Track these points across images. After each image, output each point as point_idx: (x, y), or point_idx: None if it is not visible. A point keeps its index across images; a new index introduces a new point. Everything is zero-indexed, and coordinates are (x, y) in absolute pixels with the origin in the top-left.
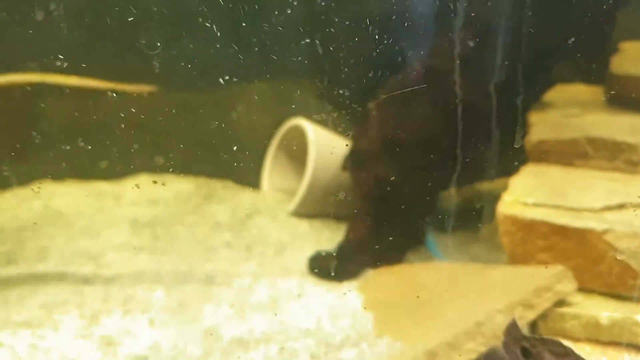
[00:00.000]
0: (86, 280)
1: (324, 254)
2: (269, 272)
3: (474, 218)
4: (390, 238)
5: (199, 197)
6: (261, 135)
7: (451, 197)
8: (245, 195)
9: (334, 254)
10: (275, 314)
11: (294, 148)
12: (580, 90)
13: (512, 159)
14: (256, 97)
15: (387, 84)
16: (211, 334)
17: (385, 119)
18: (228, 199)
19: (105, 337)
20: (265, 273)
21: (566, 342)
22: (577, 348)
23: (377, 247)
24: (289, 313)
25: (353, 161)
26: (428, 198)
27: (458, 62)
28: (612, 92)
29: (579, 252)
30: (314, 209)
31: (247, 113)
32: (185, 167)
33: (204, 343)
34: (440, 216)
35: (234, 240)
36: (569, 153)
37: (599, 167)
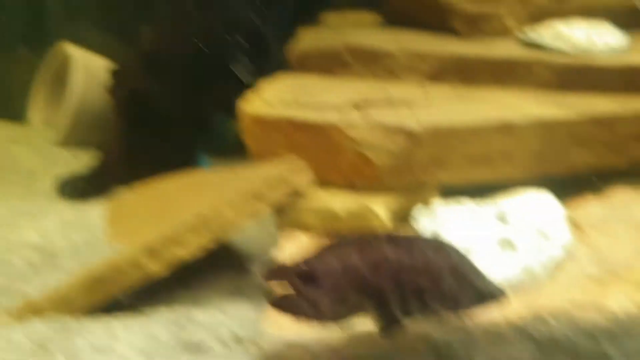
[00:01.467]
0: None
1: (75, 175)
2: (11, 195)
3: None
4: (149, 157)
5: None
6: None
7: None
8: (4, 126)
9: (86, 175)
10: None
11: (64, 78)
12: (362, 17)
13: None
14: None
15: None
16: None
17: (147, 38)
18: None
19: None
20: (7, 196)
21: (303, 235)
22: (314, 239)
23: (132, 166)
24: (18, 230)
25: (111, 79)
26: (194, 119)
27: None
28: (386, 15)
29: (318, 146)
30: (82, 138)
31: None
32: None
33: None
34: (217, 139)
35: None
36: (330, 62)
37: (358, 75)
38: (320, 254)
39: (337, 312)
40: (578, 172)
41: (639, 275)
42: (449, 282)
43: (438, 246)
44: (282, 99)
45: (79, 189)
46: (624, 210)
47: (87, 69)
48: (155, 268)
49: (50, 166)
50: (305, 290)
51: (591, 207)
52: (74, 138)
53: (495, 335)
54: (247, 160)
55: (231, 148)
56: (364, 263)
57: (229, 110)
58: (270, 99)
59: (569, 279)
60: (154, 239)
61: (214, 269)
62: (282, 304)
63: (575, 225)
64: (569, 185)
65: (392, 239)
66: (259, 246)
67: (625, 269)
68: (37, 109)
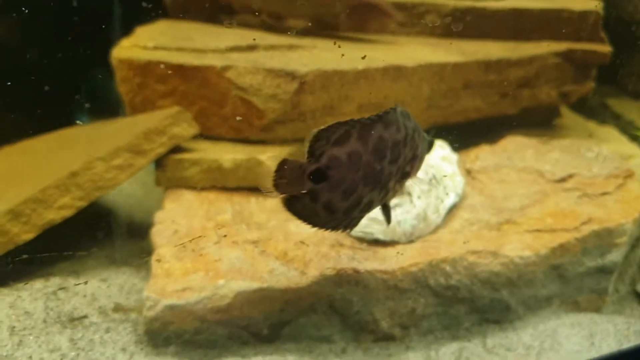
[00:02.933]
0: None
1: None
2: None
3: None
4: (13, 115)
5: None
6: None
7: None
8: None
9: None
10: None
11: None
12: None
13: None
14: None
15: None
16: None
17: None
18: None
19: None
20: None
21: (188, 193)
22: (200, 198)
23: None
24: None
25: None
26: (61, 72)
27: None
28: None
29: (201, 94)
30: None
31: None
32: None
33: None
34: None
35: None
36: (212, 8)
37: (245, 23)
38: (320, 144)
39: (348, 210)
40: (471, 119)
41: (532, 220)
42: (420, 143)
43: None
44: (159, 43)
45: None
46: (516, 157)
47: None
48: (22, 233)
49: None
50: (319, 191)
51: (484, 155)
52: None
53: (393, 288)
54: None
55: (114, 107)
56: (365, 148)
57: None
58: (145, 43)
59: (465, 226)
60: (17, 200)
61: (93, 234)
62: (295, 208)
63: (469, 173)
64: (463, 135)
65: (381, 119)
66: (139, 207)
67: (519, 215)
68: None
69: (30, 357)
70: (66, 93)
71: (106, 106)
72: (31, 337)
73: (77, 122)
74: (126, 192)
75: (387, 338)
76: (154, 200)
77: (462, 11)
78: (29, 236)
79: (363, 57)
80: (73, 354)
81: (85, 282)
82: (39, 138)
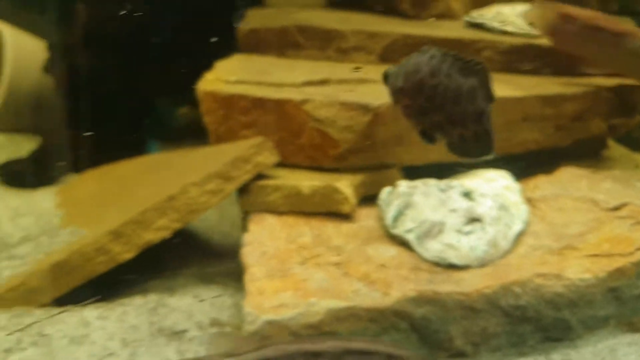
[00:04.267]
0: None
1: (15, 160)
2: None
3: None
4: (94, 141)
5: None
6: None
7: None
8: None
9: (28, 160)
10: None
11: None
12: None
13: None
14: None
15: None
16: None
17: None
18: None
19: None
20: None
21: (270, 217)
22: (281, 221)
23: (79, 150)
24: None
25: (54, 59)
26: (140, 101)
27: None
28: None
29: (280, 125)
30: (15, 122)
31: None
32: None
33: None
34: (164, 125)
35: None
36: (281, 42)
37: (311, 56)
38: None
39: None
40: (528, 151)
41: (590, 246)
42: None
43: None
44: (240, 77)
45: (20, 175)
46: (572, 187)
47: (19, 48)
48: (122, 252)
49: None
50: None
51: (542, 184)
52: (6, 121)
53: (469, 308)
54: (199, 144)
55: (177, 135)
56: None
57: (177, 95)
58: (227, 77)
59: (529, 252)
60: (119, 222)
61: (181, 255)
62: None
63: (530, 201)
64: (521, 166)
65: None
66: (222, 230)
67: (578, 241)
68: None
69: None
70: (140, 118)
71: (175, 134)
72: (142, 349)
73: (150, 147)
74: (207, 214)
75: (460, 355)
76: (227, 225)
77: (518, 48)
78: (128, 255)
79: None
80: None
81: (182, 299)
82: (121, 163)
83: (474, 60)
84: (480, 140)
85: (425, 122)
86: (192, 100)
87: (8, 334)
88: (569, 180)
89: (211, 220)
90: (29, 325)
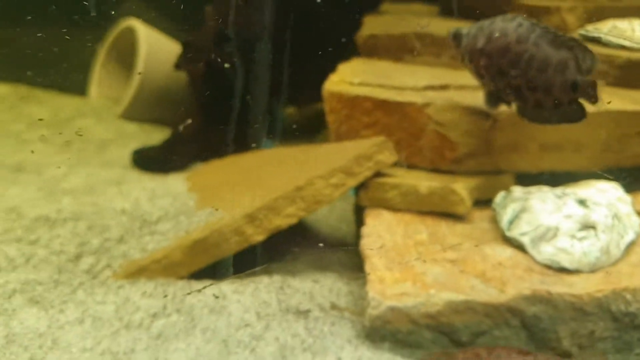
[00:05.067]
0: None
1: (149, 148)
2: (87, 164)
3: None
4: (222, 133)
5: (15, 98)
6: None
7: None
8: (68, 100)
9: (160, 148)
10: (90, 197)
11: (126, 53)
12: (419, 7)
13: None
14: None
15: None
16: (13, 212)
17: (220, 14)
18: (48, 102)
19: None
20: (83, 164)
21: (387, 213)
22: (397, 218)
23: (207, 141)
24: (104, 196)
25: (187, 55)
26: (265, 98)
27: None
28: (442, 6)
29: (400, 126)
30: (144, 113)
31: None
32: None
33: (5, 220)
34: (281, 124)
35: (51, 137)
36: (399, 48)
37: (426, 63)
38: None
39: None
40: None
41: None
42: None
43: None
44: (363, 80)
45: (154, 161)
46: None
47: (152, 45)
48: (254, 234)
49: (119, 138)
50: None
51: None
52: (137, 112)
53: (579, 310)
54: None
55: (284, 133)
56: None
57: (293, 96)
58: (351, 80)
59: None
60: (253, 207)
61: (298, 244)
62: None
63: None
64: (631, 179)
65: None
66: (330, 223)
67: None
68: (97, 83)
69: (277, 338)
70: (264, 116)
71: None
72: (275, 323)
73: (265, 143)
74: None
75: (565, 355)
76: (335, 218)
77: (635, 63)
78: (260, 238)
79: None
80: (310, 340)
81: (303, 282)
82: (244, 155)
83: (568, 36)
84: (567, 109)
85: (500, 84)
86: (298, 102)
87: (154, 302)
88: None
89: (320, 214)
90: (172, 294)
